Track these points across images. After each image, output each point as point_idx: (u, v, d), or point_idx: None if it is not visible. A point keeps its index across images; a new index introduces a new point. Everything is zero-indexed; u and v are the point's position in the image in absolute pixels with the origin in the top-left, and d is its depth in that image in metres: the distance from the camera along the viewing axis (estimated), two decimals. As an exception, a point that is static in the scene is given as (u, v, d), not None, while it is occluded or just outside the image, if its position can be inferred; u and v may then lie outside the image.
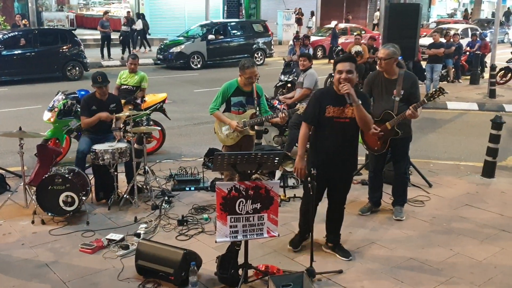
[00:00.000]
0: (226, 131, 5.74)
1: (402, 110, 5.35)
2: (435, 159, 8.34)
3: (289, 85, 11.89)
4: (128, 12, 22.33)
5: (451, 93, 13.77)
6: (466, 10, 42.09)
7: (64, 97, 7.54)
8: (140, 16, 22.03)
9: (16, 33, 15.70)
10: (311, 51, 13.32)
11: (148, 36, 26.16)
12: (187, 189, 6.58)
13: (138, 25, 21.30)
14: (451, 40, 15.52)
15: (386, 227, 5.55)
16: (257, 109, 5.76)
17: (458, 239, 5.30)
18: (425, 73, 14.20)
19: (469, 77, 16.49)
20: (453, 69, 16.20)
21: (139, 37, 22.01)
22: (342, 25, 24.57)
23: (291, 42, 22.72)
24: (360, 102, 4.37)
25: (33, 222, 5.50)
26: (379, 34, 16.48)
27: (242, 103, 5.74)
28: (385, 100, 5.48)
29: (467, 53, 17.35)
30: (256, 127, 6.67)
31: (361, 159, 7.62)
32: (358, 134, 4.69)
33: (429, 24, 30.69)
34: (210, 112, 5.76)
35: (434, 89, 5.34)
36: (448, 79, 16.15)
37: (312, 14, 29.78)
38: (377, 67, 5.58)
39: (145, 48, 22.40)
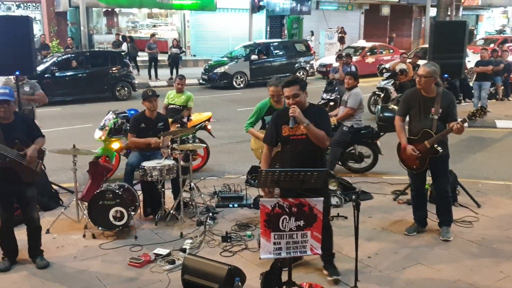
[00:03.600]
0: (261, 148, 5.87)
1: (440, 128, 5.33)
2: (483, 179, 8.12)
3: (331, 103, 11.91)
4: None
5: (500, 111, 13.43)
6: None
7: (114, 116, 7.84)
8: (127, 39, 21.34)
9: (69, 55, 16.43)
10: (353, 68, 13.27)
11: (193, 58, 26.85)
12: (231, 206, 6.67)
13: (124, 47, 20.49)
14: (500, 57, 15.15)
15: (433, 248, 5.45)
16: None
17: (508, 261, 5.14)
18: (472, 91, 13.92)
19: (519, 95, 16.02)
20: (502, 87, 15.78)
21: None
22: (369, 44, 24.28)
23: (318, 62, 22.29)
24: (307, 122, 4.38)
25: (84, 236, 5.72)
26: (405, 52, 16.40)
27: None
28: (423, 118, 5.45)
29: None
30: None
31: (407, 178, 7.56)
32: (320, 148, 4.58)
33: (476, 41, 30.04)
34: (245, 129, 6.20)
35: (475, 108, 5.27)
36: (497, 97, 15.73)
37: (312, 33, 29.59)
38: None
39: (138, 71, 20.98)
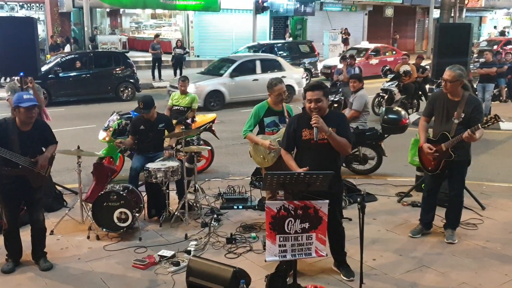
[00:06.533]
0: (261, 154, 5.82)
1: (460, 133, 5.26)
2: (488, 181, 8.11)
3: (335, 105, 11.91)
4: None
5: (504, 113, 13.33)
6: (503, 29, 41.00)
7: (118, 117, 7.86)
8: (71, 40, 20.82)
9: (73, 56, 16.47)
10: (357, 70, 13.26)
11: (197, 58, 26.86)
12: (235, 207, 6.67)
13: (67, 49, 20.09)
14: (504, 59, 15.13)
15: (438, 250, 5.44)
16: None
17: (513, 264, 5.14)
18: (476, 93, 13.89)
19: (523, 96, 15.99)
20: (506, 89, 15.76)
21: None
22: (372, 45, 24.16)
23: (322, 64, 22.01)
24: (330, 131, 4.37)
25: (88, 237, 5.73)
26: (407, 54, 16.30)
27: (276, 123, 5.85)
28: (445, 121, 5.41)
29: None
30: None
31: (411, 179, 7.57)
32: (338, 152, 4.59)
33: (480, 43, 30.03)
34: (244, 135, 5.91)
35: (490, 116, 5.23)
36: (501, 98, 15.71)
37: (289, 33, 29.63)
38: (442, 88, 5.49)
39: None
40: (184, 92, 8.48)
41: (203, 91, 14.34)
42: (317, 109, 4.42)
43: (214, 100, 14.61)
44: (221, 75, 15.21)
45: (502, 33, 37.54)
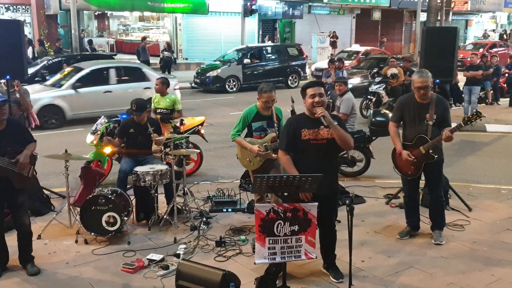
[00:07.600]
0: (248, 157, 5.83)
1: (435, 134, 5.36)
2: (474, 182, 8.18)
3: (324, 108, 11.95)
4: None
5: (490, 115, 13.54)
6: (501, 31, 41.47)
7: (106, 121, 7.80)
8: (33, 42, 20.28)
9: (60, 58, 16.34)
10: (345, 73, 13.34)
11: (185, 61, 26.79)
12: (224, 210, 6.67)
13: (29, 52, 19.06)
14: (489, 62, 15.31)
15: (425, 252, 5.48)
16: (278, 132, 5.80)
17: (499, 265, 5.18)
18: (462, 95, 14.03)
19: (508, 99, 16.17)
20: (492, 91, 15.94)
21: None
22: (362, 48, 24.26)
23: (313, 67, 22.14)
24: (336, 123, 4.47)
25: (76, 241, 5.68)
26: (394, 57, 16.44)
27: (263, 128, 5.84)
28: (418, 124, 5.47)
29: (506, 75, 17.05)
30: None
31: (399, 181, 7.60)
32: (336, 154, 4.69)
33: (466, 45, 30.35)
34: (232, 138, 5.91)
35: (471, 113, 5.31)
36: (487, 101, 15.88)
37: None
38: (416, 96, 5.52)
39: None
40: (162, 93, 8.24)
41: (35, 105, 11.13)
42: (320, 103, 4.50)
43: (50, 117, 12.27)
44: (61, 86, 12.81)
45: (501, 36, 38.01)
